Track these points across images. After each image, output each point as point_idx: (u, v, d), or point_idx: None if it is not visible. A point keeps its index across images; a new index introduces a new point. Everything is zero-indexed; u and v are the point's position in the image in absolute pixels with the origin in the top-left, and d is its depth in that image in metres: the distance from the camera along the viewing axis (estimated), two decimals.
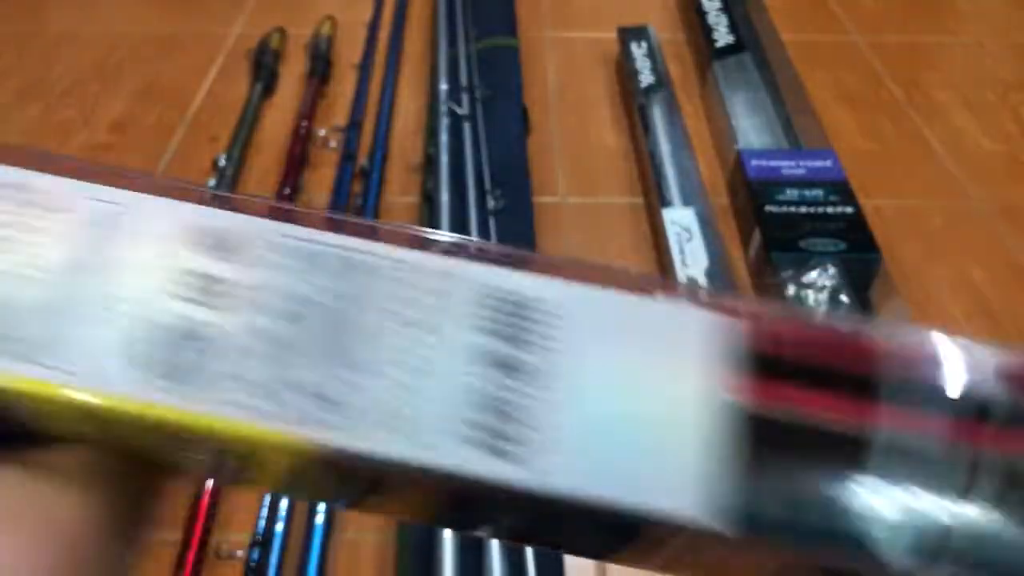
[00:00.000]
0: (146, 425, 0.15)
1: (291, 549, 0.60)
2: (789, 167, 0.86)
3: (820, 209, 0.81)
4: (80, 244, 0.16)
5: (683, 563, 0.17)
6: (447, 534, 0.57)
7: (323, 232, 0.16)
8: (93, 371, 0.15)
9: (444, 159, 0.90)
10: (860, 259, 0.77)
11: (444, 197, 0.85)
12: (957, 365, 0.17)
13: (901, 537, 0.15)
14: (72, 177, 0.17)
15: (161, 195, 0.17)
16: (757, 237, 0.80)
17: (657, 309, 0.17)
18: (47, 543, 0.16)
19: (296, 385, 0.15)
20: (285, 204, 0.17)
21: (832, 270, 0.75)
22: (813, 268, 0.75)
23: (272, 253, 0.16)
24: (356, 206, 0.87)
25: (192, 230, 0.16)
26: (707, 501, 0.15)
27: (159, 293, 0.16)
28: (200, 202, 0.17)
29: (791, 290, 0.74)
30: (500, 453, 0.15)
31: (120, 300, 0.16)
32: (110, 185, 0.17)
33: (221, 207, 0.17)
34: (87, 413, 0.15)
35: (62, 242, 0.16)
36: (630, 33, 1.10)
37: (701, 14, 1.13)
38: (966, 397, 0.17)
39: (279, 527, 0.60)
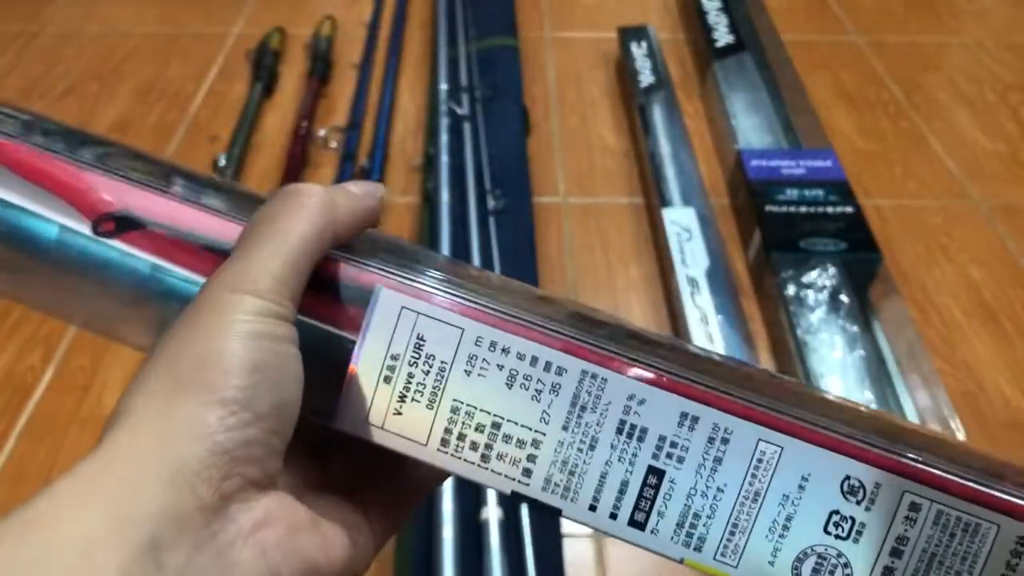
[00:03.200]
0: None
1: None
2: (789, 167, 0.86)
3: (820, 209, 0.81)
4: (746, 478, 0.22)
5: None
6: (447, 535, 0.57)
7: (959, 501, 0.22)
8: (751, 570, 0.22)
9: (444, 159, 0.90)
10: (860, 259, 0.77)
11: (444, 197, 0.85)
12: None
13: None
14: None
15: (805, 440, 0.22)
16: (757, 237, 0.80)
17: None
18: None
19: None
20: (918, 465, 0.22)
21: (832, 270, 0.75)
22: (813, 268, 0.75)
23: (912, 511, 0.22)
24: None
25: (839, 478, 0.22)
26: None
27: (817, 526, 0.22)
28: (850, 454, 0.22)
29: (791, 290, 0.74)
30: None
31: (786, 529, 0.22)
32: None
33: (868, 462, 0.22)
34: None
35: (734, 478, 0.22)
36: (630, 33, 1.10)
37: (701, 14, 1.13)
38: None
39: None
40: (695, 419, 0.22)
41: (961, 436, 0.64)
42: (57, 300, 0.26)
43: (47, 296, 0.26)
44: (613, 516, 0.23)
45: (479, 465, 0.23)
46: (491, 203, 0.84)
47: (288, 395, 0.21)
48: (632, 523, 0.23)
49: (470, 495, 0.60)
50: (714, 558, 0.22)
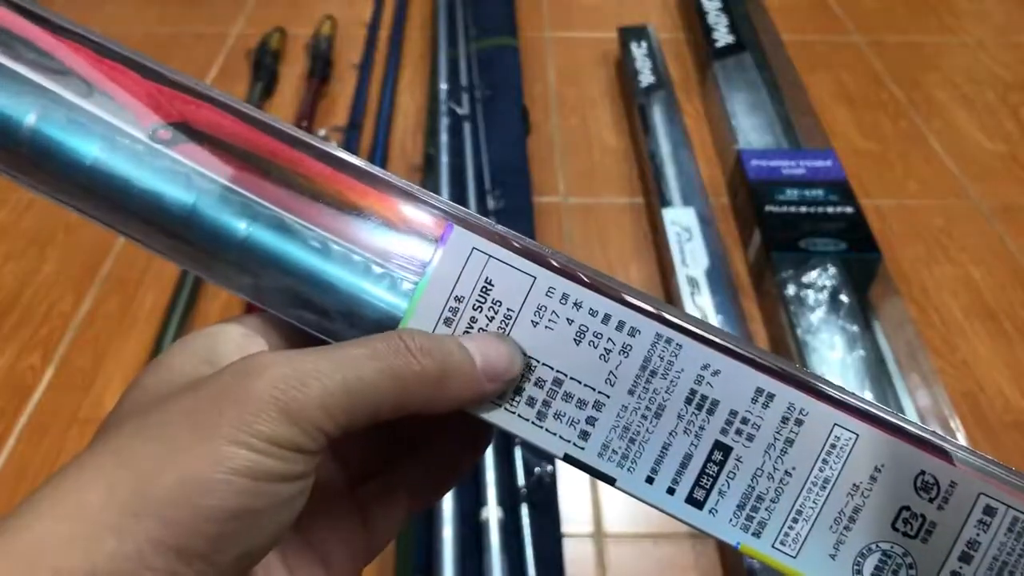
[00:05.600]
0: None
1: None
2: (789, 167, 0.86)
3: (820, 209, 0.81)
4: (817, 463, 0.21)
5: None
6: (447, 535, 0.57)
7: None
8: (810, 561, 0.21)
9: (444, 159, 0.90)
10: (860, 259, 0.77)
11: (444, 197, 0.85)
12: None
13: None
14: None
15: (882, 430, 0.21)
16: (757, 237, 0.80)
17: None
18: None
19: None
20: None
21: (832, 270, 0.75)
22: (813, 268, 0.75)
23: (986, 515, 0.21)
24: None
25: (914, 472, 0.21)
26: None
27: (886, 521, 0.21)
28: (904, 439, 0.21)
29: (791, 290, 0.74)
30: None
31: (853, 521, 0.21)
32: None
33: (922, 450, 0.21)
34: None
35: (804, 462, 0.21)
36: (630, 33, 1.10)
37: (701, 14, 1.13)
38: None
39: None
40: (770, 396, 0.21)
41: (961, 436, 0.64)
42: (104, 208, 0.23)
43: (98, 205, 0.23)
44: (671, 491, 0.21)
45: (533, 423, 0.22)
46: (491, 203, 0.84)
47: (260, 543, 0.18)
48: (690, 500, 0.21)
49: (470, 495, 0.60)
50: (772, 545, 0.21)
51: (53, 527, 0.17)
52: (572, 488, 0.63)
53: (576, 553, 0.60)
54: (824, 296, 0.73)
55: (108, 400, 0.70)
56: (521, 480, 0.60)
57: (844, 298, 0.73)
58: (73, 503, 0.17)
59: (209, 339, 0.21)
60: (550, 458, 0.23)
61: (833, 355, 0.69)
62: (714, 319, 0.72)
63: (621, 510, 0.63)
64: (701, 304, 0.74)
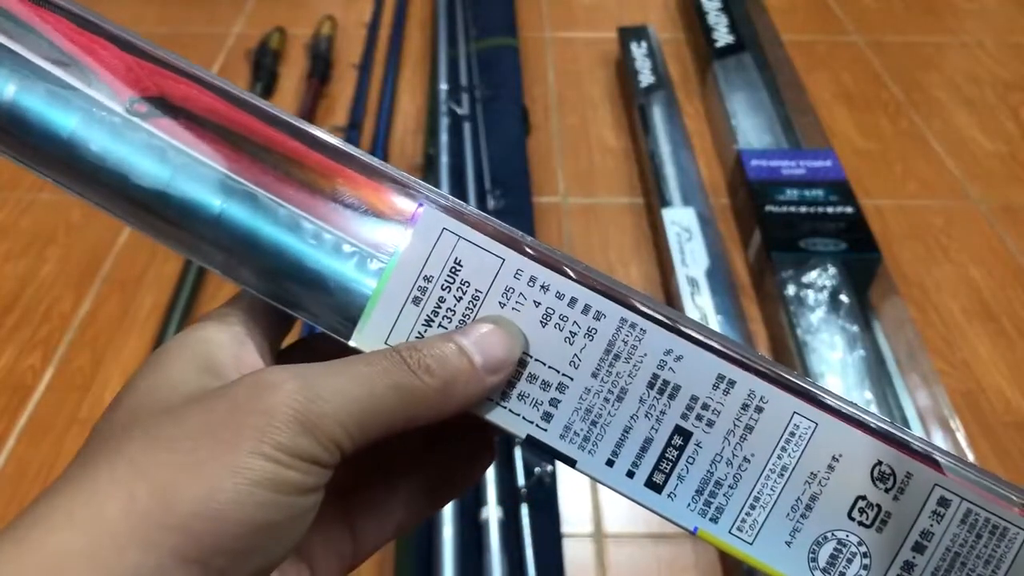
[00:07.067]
0: None
1: None
2: (789, 167, 0.86)
3: (820, 209, 0.81)
4: (775, 451, 0.21)
5: None
6: (447, 534, 0.57)
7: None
8: (766, 548, 0.21)
9: (444, 159, 0.90)
10: (860, 259, 0.77)
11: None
12: None
13: None
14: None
15: (841, 420, 0.21)
16: (757, 237, 0.80)
17: None
18: None
19: None
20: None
21: (832, 270, 0.75)
22: (813, 268, 0.75)
23: (940, 506, 0.21)
24: None
25: (871, 462, 0.21)
26: None
27: (842, 509, 0.21)
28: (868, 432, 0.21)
29: (791, 290, 0.74)
30: None
31: (809, 509, 0.21)
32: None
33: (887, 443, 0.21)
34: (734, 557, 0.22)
35: (763, 449, 0.21)
36: (630, 33, 1.10)
37: (701, 14, 1.13)
38: None
39: None
40: (731, 383, 0.21)
41: (961, 436, 0.64)
42: (77, 179, 0.23)
43: (74, 178, 0.23)
44: (630, 474, 0.22)
45: (497, 403, 0.22)
46: (491, 203, 0.84)
47: (275, 557, 0.18)
48: (649, 484, 0.22)
49: (470, 495, 0.60)
50: (729, 531, 0.21)
51: (72, 539, 0.16)
52: (572, 488, 0.63)
53: (576, 553, 0.60)
54: (824, 296, 0.73)
55: (108, 400, 0.70)
56: (521, 480, 0.60)
57: (844, 298, 0.73)
58: (91, 514, 0.17)
59: (201, 345, 0.21)
60: (516, 438, 0.22)
61: (833, 355, 0.69)
62: (714, 319, 0.72)
63: (621, 510, 0.63)
64: (701, 304, 0.74)
